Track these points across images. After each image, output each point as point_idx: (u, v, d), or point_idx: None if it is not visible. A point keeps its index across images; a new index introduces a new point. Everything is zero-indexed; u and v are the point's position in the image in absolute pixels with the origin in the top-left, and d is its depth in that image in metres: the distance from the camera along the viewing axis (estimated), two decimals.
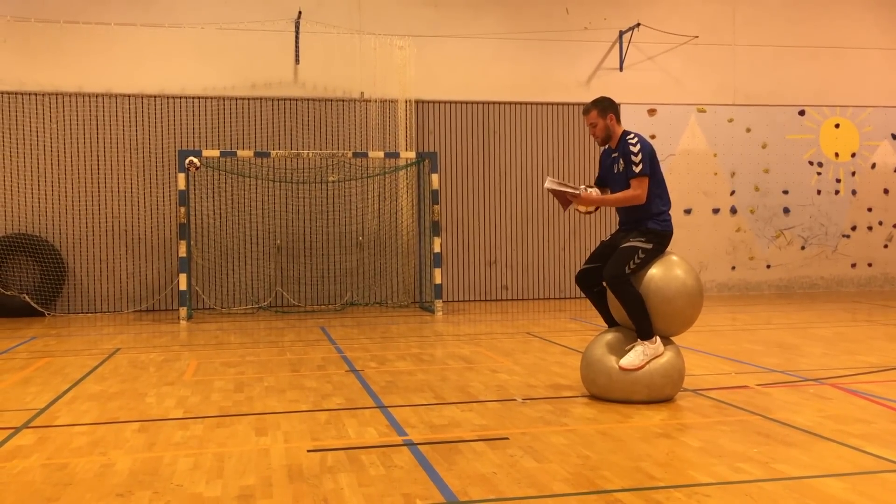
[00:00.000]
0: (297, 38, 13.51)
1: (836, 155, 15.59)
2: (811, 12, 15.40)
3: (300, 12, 13.31)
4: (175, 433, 5.35)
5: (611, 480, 4.27)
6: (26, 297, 12.43)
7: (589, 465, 4.53)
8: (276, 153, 12.64)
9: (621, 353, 6.06)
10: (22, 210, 12.88)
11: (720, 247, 15.17)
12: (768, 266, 15.35)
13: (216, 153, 12.34)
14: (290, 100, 13.63)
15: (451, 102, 14.22)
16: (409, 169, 13.75)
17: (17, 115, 12.87)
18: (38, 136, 12.92)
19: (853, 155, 15.64)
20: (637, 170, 6.06)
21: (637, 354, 5.98)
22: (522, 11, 14.38)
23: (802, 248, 15.47)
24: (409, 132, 13.87)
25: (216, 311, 13.04)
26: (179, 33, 13.21)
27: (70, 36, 12.95)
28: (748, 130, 15.26)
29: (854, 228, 15.65)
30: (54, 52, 12.94)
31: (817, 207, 15.51)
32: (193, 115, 13.35)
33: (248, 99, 13.51)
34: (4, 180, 12.83)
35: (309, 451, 4.88)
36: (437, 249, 12.51)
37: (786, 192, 15.39)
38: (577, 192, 6.15)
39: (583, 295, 6.50)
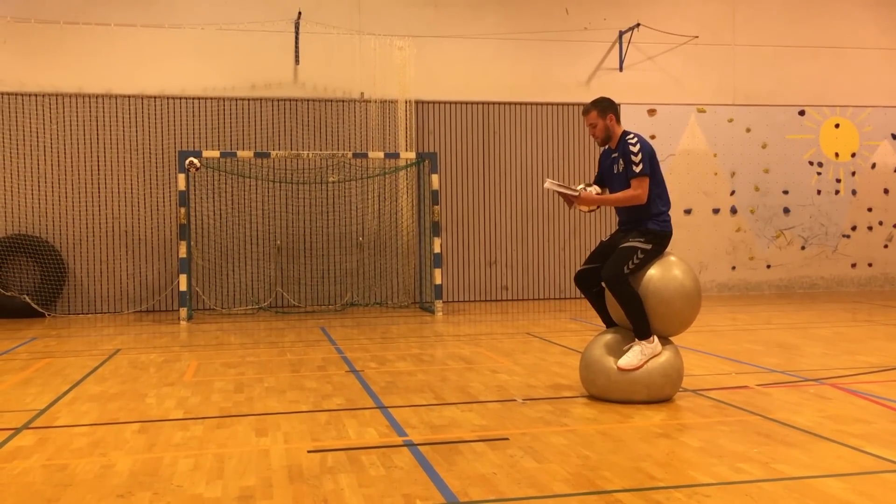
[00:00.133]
0: (296, 38, 13.51)
1: (836, 155, 15.59)
2: (811, 12, 15.40)
3: (300, 13, 13.31)
4: (175, 434, 5.35)
5: (611, 481, 4.27)
6: (27, 297, 12.43)
7: (589, 466, 4.53)
8: (276, 154, 12.64)
9: (620, 354, 6.06)
10: (22, 211, 12.88)
11: (720, 247, 15.17)
12: (768, 266, 15.35)
13: (216, 154, 12.35)
14: (290, 100, 13.64)
15: (450, 103, 14.22)
16: (409, 169, 13.75)
17: (17, 116, 12.88)
18: (38, 137, 12.93)
19: (853, 155, 15.63)
20: (637, 169, 6.07)
21: (635, 354, 5.99)
22: (522, 12, 14.38)
23: (802, 248, 15.47)
24: (408, 132, 13.87)
25: (216, 312, 13.04)
26: (179, 34, 13.22)
27: (70, 36, 12.96)
28: (748, 130, 15.25)
29: (854, 228, 15.64)
30: (54, 53, 12.95)
31: (817, 207, 15.51)
32: (193, 116, 13.36)
33: (248, 99, 13.51)
34: (5, 181, 12.84)
35: (309, 451, 4.88)
36: (437, 250, 12.51)
37: (786, 192, 15.39)
38: (575, 193, 6.17)
39: (582, 295, 6.51)
